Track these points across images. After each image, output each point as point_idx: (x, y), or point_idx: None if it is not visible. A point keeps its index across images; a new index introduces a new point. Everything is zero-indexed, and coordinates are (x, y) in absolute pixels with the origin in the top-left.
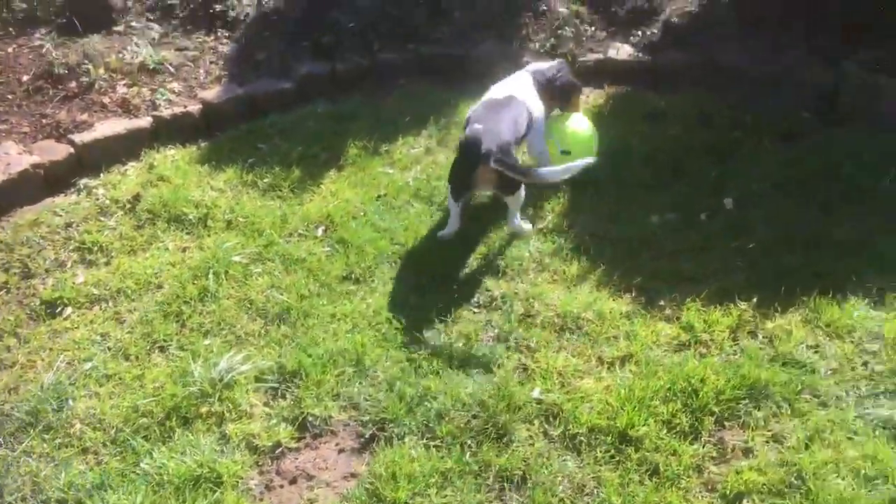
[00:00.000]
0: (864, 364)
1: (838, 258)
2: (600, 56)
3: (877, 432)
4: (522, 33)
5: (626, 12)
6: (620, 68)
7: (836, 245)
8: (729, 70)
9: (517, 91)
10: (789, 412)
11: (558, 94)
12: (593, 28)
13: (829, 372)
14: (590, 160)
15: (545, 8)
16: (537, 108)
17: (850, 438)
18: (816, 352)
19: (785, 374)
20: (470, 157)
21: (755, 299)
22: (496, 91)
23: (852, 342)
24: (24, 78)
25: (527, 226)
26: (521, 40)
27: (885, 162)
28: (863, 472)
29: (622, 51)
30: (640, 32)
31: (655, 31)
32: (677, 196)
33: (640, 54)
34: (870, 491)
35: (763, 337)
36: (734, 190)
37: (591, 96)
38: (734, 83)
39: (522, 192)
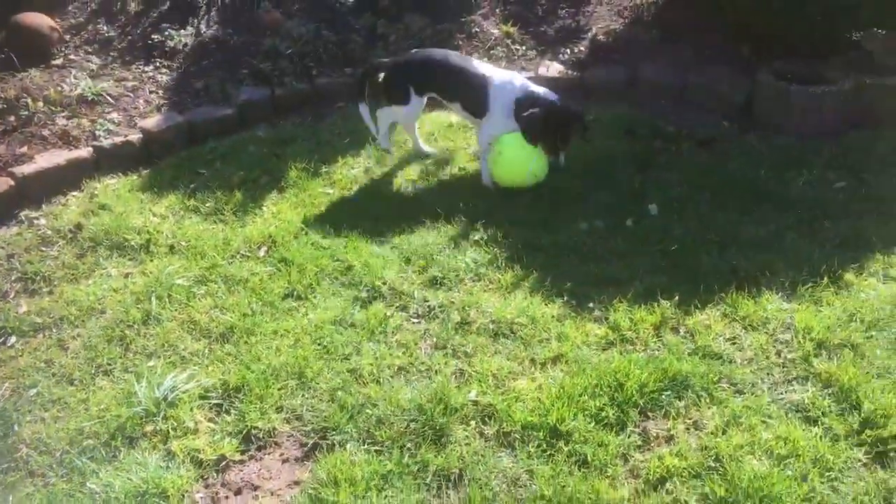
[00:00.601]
0: (778, 353)
1: (753, 255)
2: (531, 74)
3: (789, 415)
4: None
5: (555, 31)
6: (551, 85)
7: (751, 244)
8: (651, 83)
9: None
10: (708, 400)
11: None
12: (524, 47)
13: (745, 361)
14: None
15: (477, 30)
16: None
17: (764, 422)
18: (734, 343)
19: (704, 366)
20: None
21: (677, 297)
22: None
23: (767, 333)
24: None
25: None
26: None
27: (797, 166)
28: (776, 452)
29: (552, 68)
30: (568, 50)
31: (583, 48)
32: (605, 204)
33: (569, 71)
34: (782, 469)
35: (684, 332)
36: (657, 196)
37: None
38: (656, 96)
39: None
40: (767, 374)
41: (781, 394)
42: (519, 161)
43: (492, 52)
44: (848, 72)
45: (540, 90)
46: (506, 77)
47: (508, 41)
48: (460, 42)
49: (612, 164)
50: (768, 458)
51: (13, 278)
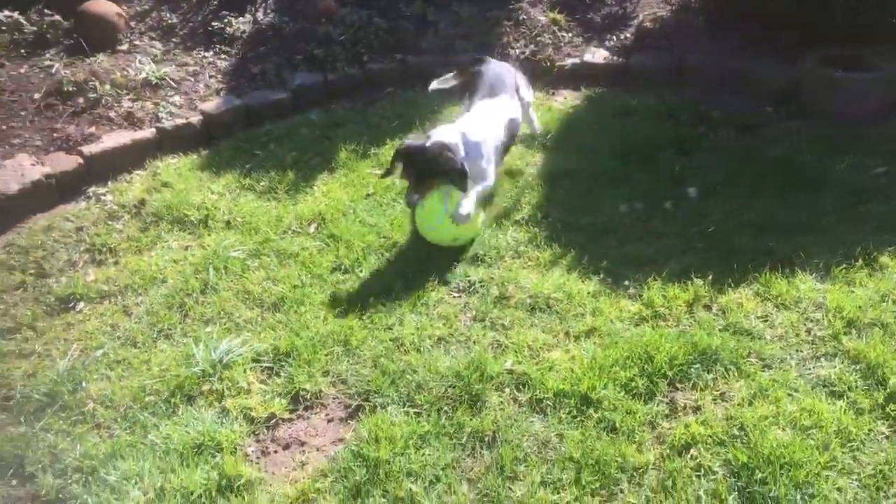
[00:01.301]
0: (808, 331)
1: (789, 238)
2: (577, 60)
3: (815, 389)
4: (503, 41)
5: (602, 18)
6: (596, 71)
7: (788, 227)
8: (696, 70)
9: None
10: (736, 374)
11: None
12: (570, 34)
13: (775, 338)
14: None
15: (525, 17)
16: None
17: (790, 395)
18: (765, 321)
19: (734, 341)
20: None
21: (711, 277)
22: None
23: (798, 311)
24: (36, 96)
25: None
26: (501, 47)
27: (838, 151)
28: (800, 423)
29: (598, 54)
30: (614, 37)
31: (629, 35)
32: (644, 187)
33: (615, 57)
34: (805, 439)
35: (717, 309)
36: (697, 180)
37: (568, 98)
38: (701, 82)
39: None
40: (796, 350)
41: (809, 369)
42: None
43: (538, 38)
44: (893, 58)
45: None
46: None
47: (555, 28)
48: (507, 29)
49: (654, 149)
50: (792, 428)
51: (82, 249)
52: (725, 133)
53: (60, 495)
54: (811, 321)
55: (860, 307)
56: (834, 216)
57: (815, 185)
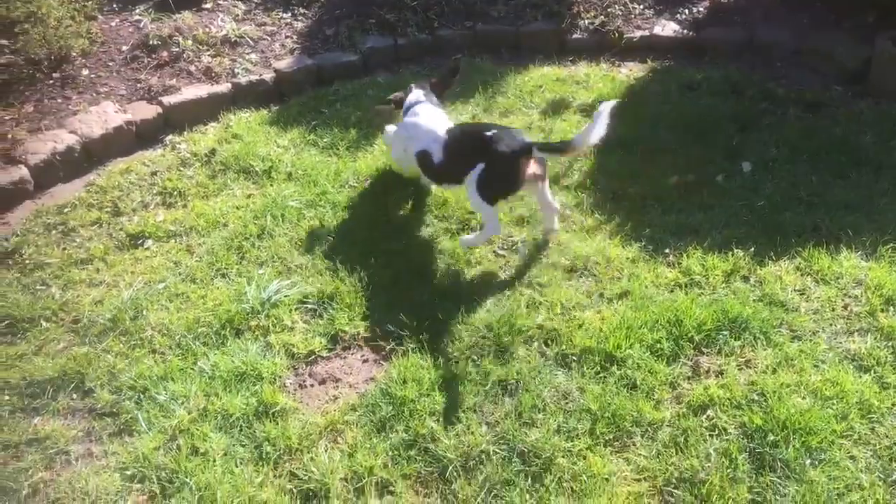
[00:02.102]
0: (845, 306)
1: (839, 216)
2: (646, 32)
3: (843, 362)
4: (573, 11)
5: None
6: (664, 44)
7: (839, 204)
8: (767, 45)
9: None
10: (764, 343)
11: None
12: (642, 6)
13: (810, 311)
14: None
15: None
16: None
17: (815, 366)
18: (802, 294)
19: (766, 311)
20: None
21: (752, 249)
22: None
23: (837, 287)
24: (124, 48)
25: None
26: (571, 17)
27: None
28: (822, 392)
29: (667, 27)
30: (686, 10)
31: (702, 8)
32: (698, 160)
33: (685, 31)
34: (823, 408)
35: (754, 281)
36: (753, 155)
37: (633, 69)
38: (771, 58)
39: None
40: (830, 324)
41: (840, 342)
42: None
43: (608, 9)
44: None
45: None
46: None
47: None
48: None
49: (713, 123)
50: (812, 397)
51: (154, 192)
52: (789, 110)
53: (114, 409)
54: (849, 297)
55: None
56: (889, 197)
57: (873, 166)
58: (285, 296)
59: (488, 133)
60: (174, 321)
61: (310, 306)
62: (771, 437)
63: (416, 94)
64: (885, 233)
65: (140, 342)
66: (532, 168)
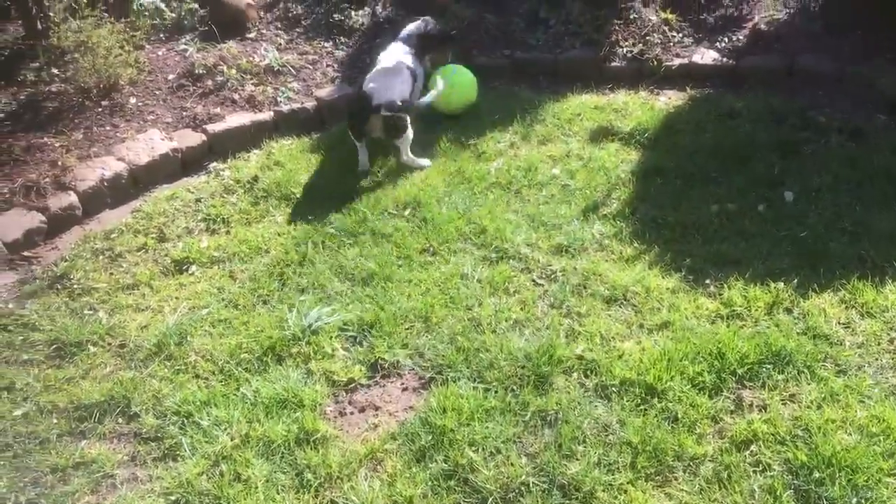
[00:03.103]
0: (891, 340)
1: (885, 247)
2: (685, 60)
3: (889, 398)
4: (612, 39)
5: (715, 20)
6: (703, 72)
7: (884, 235)
8: (809, 73)
9: (402, 59)
10: (808, 377)
11: (432, 45)
12: (681, 34)
13: (855, 345)
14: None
15: (635, 16)
16: (418, 68)
17: (861, 402)
18: (847, 327)
19: (810, 345)
20: (363, 110)
21: (796, 280)
22: (385, 60)
23: (883, 321)
24: (170, 77)
25: (422, 161)
26: (610, 45)
27: None
28: (868, 429)
29: (707, 56)
30: (726, 38)
31: (742, 37)
32: (739, 188)
33: (724, 59)
34: (870, 445)
35: (798, 313)
36: (795, 184)
37: (672, 97)
38: (813, 86)
39: (409, 134)
40: (875, 358)
41: (886, 378)
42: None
43: (647, 38)
44: None
45: (410, 28)
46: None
47: (665, 28)
48: (617, 27)
49: (754, 151)
50: (859, 433)
51: (199, 218)
52: (831, 139)
53: (158, 434)
54: (895, 331)
55: None
56: None
57: None
58: (326, 323)
59: (365, 90)
60: (217, 347)
61: (350, 334)
62: (816, 475)
63: (406, 29)
64: None
65: (184, 367)
66: (375, 123)
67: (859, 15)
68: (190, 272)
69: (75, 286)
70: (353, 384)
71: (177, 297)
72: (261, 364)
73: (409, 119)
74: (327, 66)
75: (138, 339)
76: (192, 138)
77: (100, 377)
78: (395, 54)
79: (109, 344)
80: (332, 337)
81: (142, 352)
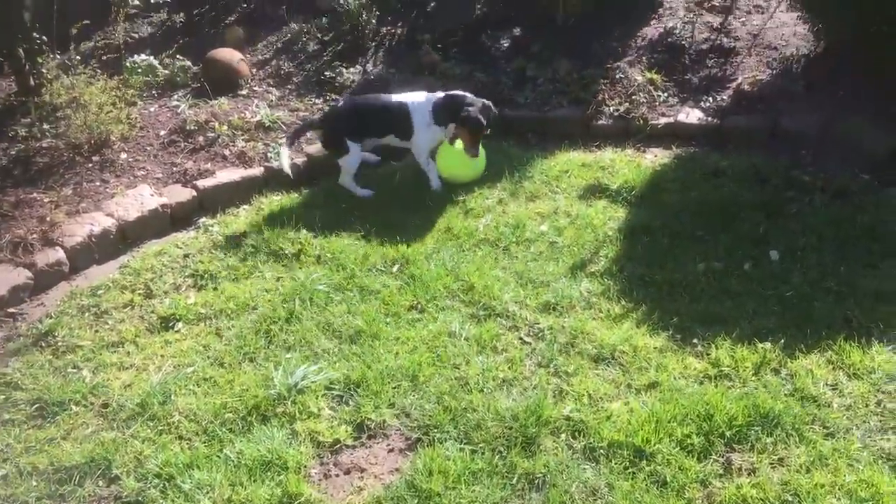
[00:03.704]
0: (878, 402)
1: (870, 307)
2: (671, 119)
3: (878, 462)
4: (598, 98)
5: (700, 80)
6: (689, 131)
7: (870, 296)
8: (792, 133)
9: (406, 98)
10: (797, 440)
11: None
12: (666, 94)
13: (842, 407)
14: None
15: (622, 76)
16: (421, 120)
17: (850, 465)
18: (834, 389)
19: (798, 407)
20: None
21: (783, 341)
22: (398, 94)
23: (870, 382)
24: (162, 132)
25: (360, 191)
26: (597, 104)
27: None
28: (857, 494)
29: (692, 115)
30: (710, 98)
31: (726, 97)
32: (725, 247)
33: (709, 118)
34: None
35: (785, 374)
36: (780, 243)
37: (658, 156)
38: (796, 145)
39: (346, 159)
40: (863, 421)
41: (874, 441)
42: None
43: (633, 97)
44: None
45: (455, 92)
46: (418, 97)
47: (651, 87)
48: (604, 86)
49: (739, 210)
50: (848, 498)
51: (186, 274)
52: (815, 198)
53: (140, 498)
54: (883, 393)
55: None
56: None
57: None
58: (312, 381)
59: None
60: (201, 406)
61: (336, 392)
62: None
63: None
64: None
65: (167, 428)
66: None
67: (840, 75)
68: (176, 329)
69: (60, 344)
70: (339, 445)
71: (162, 355)
72: (245, 424)
73: (347, 145)
74: None
75: (121, 398)
76: (182, 194)
77: (81, 438)
78: (411, 95)
79: (92, 403)
80: (318, 396)
81: (125, 411)
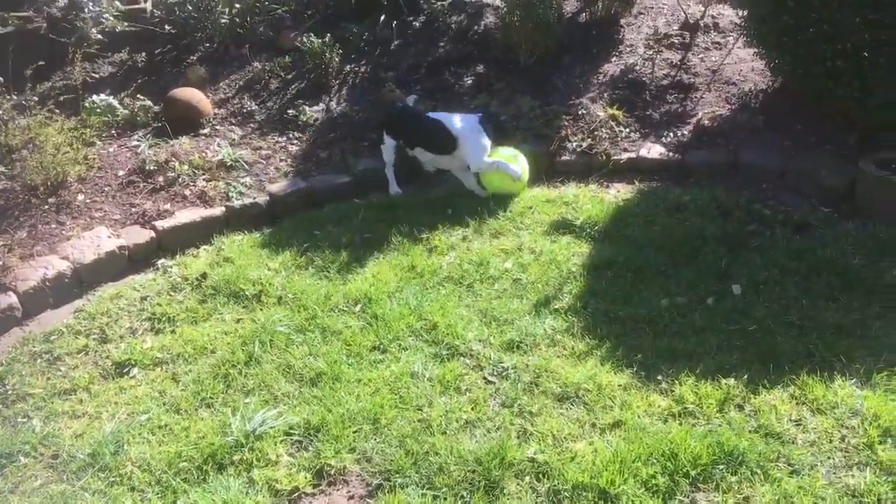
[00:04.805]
0: (842, 438)
1: (833, 342)
2: (633, 155)
3: (843, 499)
4: (561, 134)
5: (660, 115)
6: (651, 166)
7: (832, 329)
8: (752, 167)
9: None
10: (762, 478)
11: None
12: (628, 129)
13: (807, 443)
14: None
15: (584, 112)
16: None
17: (816, 503)
18: (798, 425)
19: (763, 444)
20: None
21: (746, 376)
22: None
23: (834, 417)
24: (121, 173)
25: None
26: (559, 140)
27: (892, 254)
28: None
29: (653, 150)
30: (671, 133)
31: (686, 132)
32: (688, 282)
33: (670, 153)
34: None
35: (749, 410)
36: (743, 277)
37: (621, 191)
38: (756, 180)
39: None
40: (828, 457)
41: (839, 478)
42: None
43: (595, 132)
44: None
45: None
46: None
47: (613, 123)
48: (566, 122)
49: (701, 244)
50: None
51: (143, 317)
52: (776, 232)
53: None
54: (846, 428)
55: None
56: (881, 321)
57: (864, 289)
58: (271, 427)
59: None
60: (155, 456)
61: (296, 437)
62: None
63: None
64: (879, 359)
65: (119, 479)
66: None
67: (797, 109)
68: (131, 375)
69: (10, 392)
70: (298, 493)
71: (116, 402)
72: (200, 473)
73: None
74: (280, 160)
75: (72, 448)
76: (140, 235)
77: (29, 491)
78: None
79: (42, 454)
80: (276, 442)
81: (75, 462)
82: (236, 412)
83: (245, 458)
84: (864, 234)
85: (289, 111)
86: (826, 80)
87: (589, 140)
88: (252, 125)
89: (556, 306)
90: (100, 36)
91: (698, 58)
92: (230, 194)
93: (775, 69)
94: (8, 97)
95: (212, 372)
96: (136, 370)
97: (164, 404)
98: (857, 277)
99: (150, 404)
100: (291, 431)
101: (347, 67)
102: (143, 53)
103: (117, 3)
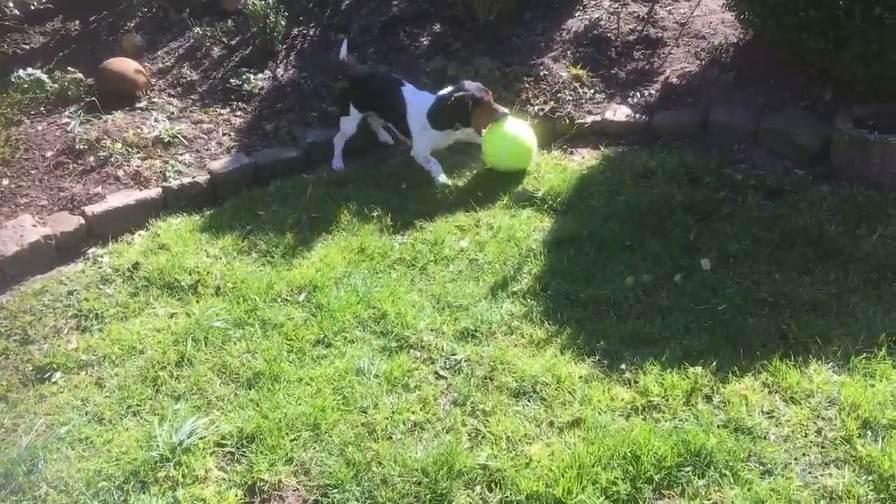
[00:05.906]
0: (818, 431)
1: (807, 320)
2: (598, 118)
3: (820, 502)
4: (522, 97)
5: (626, 74)
6: (616, 129)
7: (807, 306)
8: (723, 127)
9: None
10: (732, 480)
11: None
12: (592, 90)
13: (780, 439)
14: None
15: (545, 73)
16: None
17: None
18: (770, 417)
19: (732, 441)
20: None
21: (714, 363)
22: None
23: (809, 407)
24: (48, 154)
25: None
26: (520, 103)
27: (872, 220)
28: None
29: (619, 112)
30: (638, 93)
31: (654, 91)
32: (654, 257)
33: (637, 115)
34: None
35: (718, 401)
36: (712, 250)
37: (586, 157)
38: (728, 141)
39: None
40: (803, 454)
41: (815, 477)
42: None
43: (558, 95)
44: None
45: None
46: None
47: (576, 84)
48: (527, 84)
49: (670, 214)
50: None
51: (69, 314)
52: (748, 197)
53: None
54: (822, 419)
55: (879, 404)
56: (859, 295)
57: (841, 259)
58: (200, 438)
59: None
60: (73, 474)
61: (228, 449)
62: None
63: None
64: (857, 340)
65: (33, 502)
66: None
67: (770, 64)
68: (53, 380)
69: None
70: None
71: (35, 413)
72: (121, 494)
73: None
74: (223, 134)
75: None
76: (68, 222)
77: None
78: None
79: None
80: (206, 454)
81: None
82: (164, 421)
83: (170, 474)
84: (840, 199)
85: (232, 80)
86: (799, 31)
87: (552, 103)
88: (193, 97)
89: (515, 289)
90: (17, 11)
91: (666, 10)
92: (167, 174)
93: (746, 21)
94: None
95: (140, 375)
96: (58, 375)
97: (86, 414)
98: (833, 246)
99: (71, 414)
100: (223, 442)
101: (295, 31)
102: (77, 21)
103: None
